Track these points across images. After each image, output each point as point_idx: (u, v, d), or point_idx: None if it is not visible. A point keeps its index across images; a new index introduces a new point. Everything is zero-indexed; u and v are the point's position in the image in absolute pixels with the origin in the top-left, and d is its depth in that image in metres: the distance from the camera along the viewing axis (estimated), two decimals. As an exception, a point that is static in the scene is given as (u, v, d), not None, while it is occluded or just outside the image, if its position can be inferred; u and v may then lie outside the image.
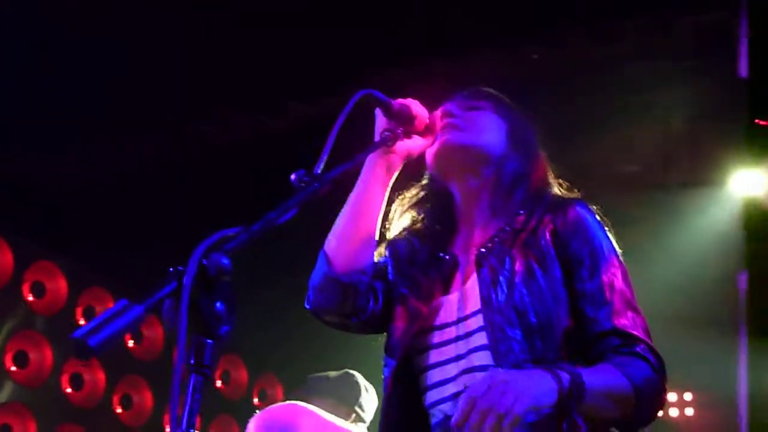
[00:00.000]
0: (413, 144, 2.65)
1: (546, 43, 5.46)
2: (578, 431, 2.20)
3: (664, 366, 2.37)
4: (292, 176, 2.14)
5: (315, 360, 5.18)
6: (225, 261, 1.74)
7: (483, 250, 2.54)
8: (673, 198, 6.57)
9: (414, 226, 2.77)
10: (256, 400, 7.39)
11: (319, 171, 2.18)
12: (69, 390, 6.24)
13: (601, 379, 2.26)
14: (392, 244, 2.75)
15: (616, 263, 2.49)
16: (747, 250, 6.29)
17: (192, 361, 1.70)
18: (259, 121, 5.85)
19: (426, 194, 2.79)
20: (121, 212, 6.01)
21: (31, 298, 6.12)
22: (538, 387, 2.14)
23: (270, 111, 5.80)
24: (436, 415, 2.52)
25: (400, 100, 2.59)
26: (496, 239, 2.55)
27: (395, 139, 2.57)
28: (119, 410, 6.53)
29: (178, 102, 5.46)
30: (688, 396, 7.69)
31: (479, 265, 2.52)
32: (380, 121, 2.63)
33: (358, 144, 2.47)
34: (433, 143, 2.67)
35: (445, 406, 2.49)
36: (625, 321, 2.39)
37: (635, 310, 2.43)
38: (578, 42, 5.46)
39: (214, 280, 1.73)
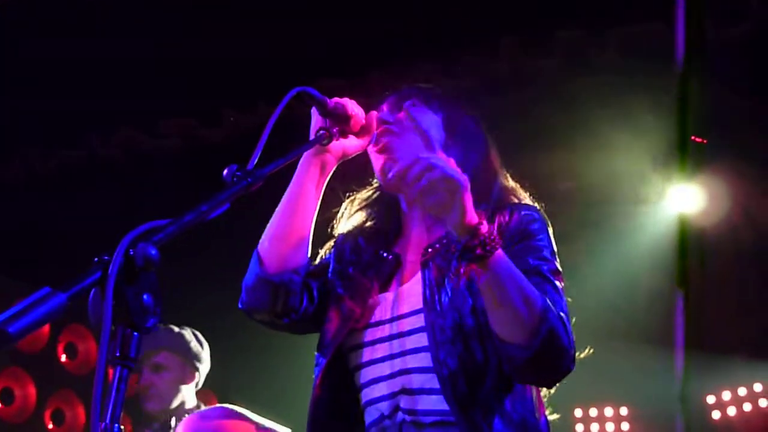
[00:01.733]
0: (349, 144, 2.62)
1: (480, 56, 5.46)
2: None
3: (574, 346, 2.32)
4: (225, 171, 2.09)
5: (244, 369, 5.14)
6: (153, 252, 1.68)
7: (429, 250, 2.52)
8: (608, 215, 6.59)
9: (362, 227, 2.74)
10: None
11: (251, 167, 2.13)
12: (-1, 405, 6.12)
13: (519, 273, 2.25)
14: (338, 244, 2.74)
15: (553, 261, 2.45)
16: (681, 266, 6.34)
17: (117, 354, 1.65)
18: (192, 128, 5.78)
19: (376, 196, 2.78)
20: (53, 219, 5.88)
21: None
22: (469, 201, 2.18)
23: (204, 118, 5.74)
24: (372, 413, 2.49)
25: (336, 99, 2.54)
26: (444, 241, 2.52)
27: (330, 138, 2.52)
28: (51, 426, 6.40)
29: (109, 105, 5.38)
30: (623, 411, 7.72)
31: (424, 266, 2.49)
32: (315, 120, 2.58)
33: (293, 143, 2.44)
34: (369, 144, 2.65)
35: (381, 405, 2.47)
36: (548, 296, 2.32)
37: (561, 298, 2.37)
38: (511, 55, 5.47)
39: (140, 271, 1.67)
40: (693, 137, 5.87)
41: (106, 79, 5.16)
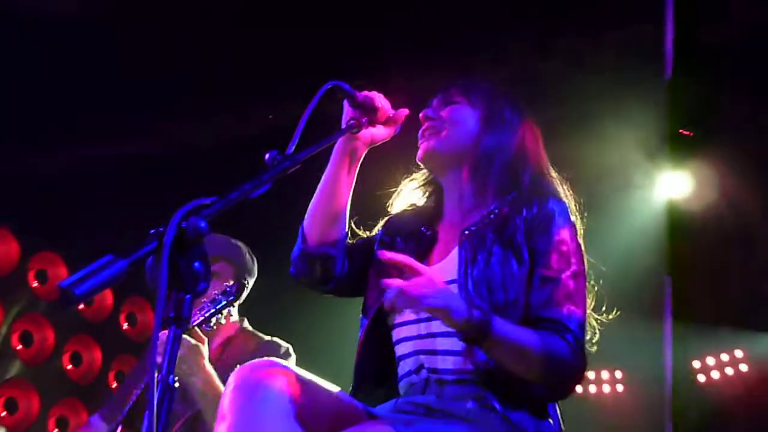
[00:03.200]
0: (376, 132, 2.66)
1: (494, 59, 5.42)
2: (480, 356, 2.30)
3: (585, 358, 2.35)
4: (266, 156, 2.12)
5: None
6: (202, 224, 1.69)
7: (467, 231, 2.52)
8: (604, 200, 6.55)
9: (413, 204, 2.80)
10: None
11: (290, 152, 2.14)
12: (69, 367, 6.17)
13: (512, 332, 2.27)
14: (389, 220, 2.78)
15: (573, 261, 2.44)
16: (669, 248, 6.29)
17: (171, 314, 1.65)
18: (224, 125, 5.75)
19: (429, 179, 2.81)
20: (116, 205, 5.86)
21: (35, 284, 6.03)
22: (454, 304, 2.20)
23: (236, 116, 5.71)
24: (403, 367, 2.53)
25: (365, 92, 2.60)
26: (480, 224, 2.52)
27: (360, 126, 2.57)
28: (115, 385, 6.45)
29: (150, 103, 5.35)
30: (618, 374, 7.70)
31: (462, 243, 2.49)
32: (346, 111, 2.63)
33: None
34: (395, 133, 2.70)
35: (408, 361, 2.50)
36: (562, 311, 2.35)
37: (575, 304, 2.38)
38: (520, 58, 5.44)
39: (191, 242, 1.68)
40: (681, 130, 5.82)
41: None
